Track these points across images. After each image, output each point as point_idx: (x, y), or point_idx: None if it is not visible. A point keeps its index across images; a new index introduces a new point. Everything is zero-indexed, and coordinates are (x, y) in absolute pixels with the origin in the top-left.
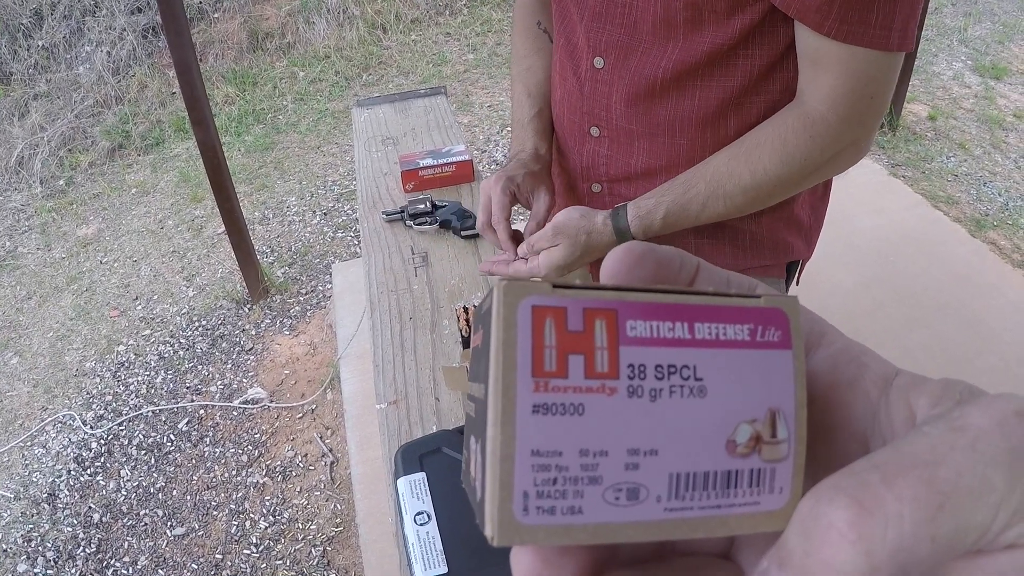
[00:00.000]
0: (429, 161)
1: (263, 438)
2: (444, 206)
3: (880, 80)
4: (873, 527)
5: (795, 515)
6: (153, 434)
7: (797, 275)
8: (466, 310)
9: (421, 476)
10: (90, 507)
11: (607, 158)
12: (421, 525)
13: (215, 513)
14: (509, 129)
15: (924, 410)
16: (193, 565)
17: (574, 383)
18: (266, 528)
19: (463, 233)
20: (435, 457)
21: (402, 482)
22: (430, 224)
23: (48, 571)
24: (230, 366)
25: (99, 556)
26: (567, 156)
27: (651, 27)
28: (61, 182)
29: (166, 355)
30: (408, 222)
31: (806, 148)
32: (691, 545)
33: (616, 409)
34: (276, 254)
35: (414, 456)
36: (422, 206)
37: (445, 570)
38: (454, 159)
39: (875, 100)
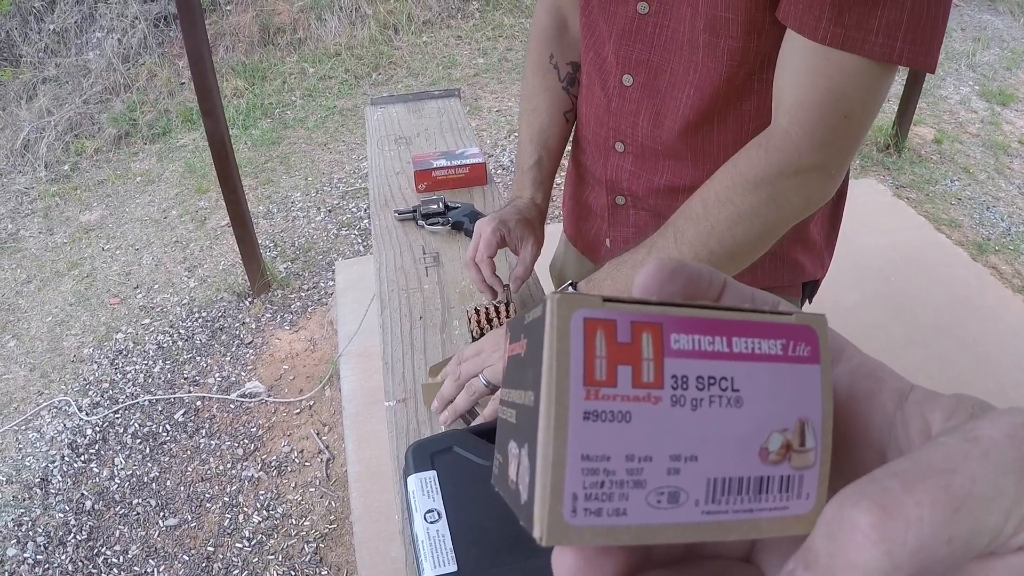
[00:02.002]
0: (443, 162)
1: (259, 432)
2: (457, 207)
3: (856, 97)
4: (895, 529)
5: (820, 519)
6: (149, 423)
7: (811, 295)
8: (477, 312)
9: (432, 474)
10: (83, 494)
11: (631, 173)
12: (431, 523)
13: (208, 505)
14: (517, 133)
15: (939, 423)
16: (184, 556)
17: (622, 392)
18: (259, 522)
19: None
20: (446, 456)
21: (412, 479)
22: (442, 224)
23: (38, 556)
24: (229, 359)
25: (90, 543)
26: (591, 167)
27: (678, 48)
28: (66, 167)
29: (165, 345)
30: (420, 222)
31: (759, 167)
32: (716, 548)
33: (660, 417)
34: (279, 249)
35: (425, 454)
36: (435, 206)
37: (455, 568)
38: (468, 161)
39: (848, 120)
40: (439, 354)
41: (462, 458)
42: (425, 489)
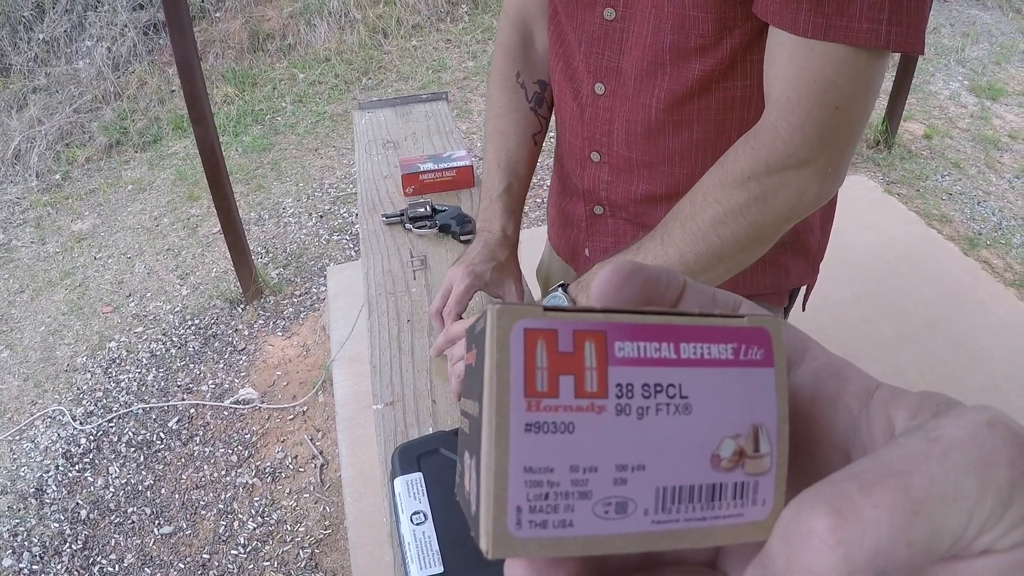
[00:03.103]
0: (430, 165)
1: (253, 439)
2: (444, 210)
3: (847, 87)
4: (851, 533)
5: (777, 524)
6: (143, 432)
7: (803, 300)
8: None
9: (418, 476)
10: (78, 503)
11: (608, 183)
12: (417, 525)
13: (203, 513)
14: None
15: (903, 422)
16: (180, 564)
17: (564, 402)
18: (254, 529)
19: (462, 238)
20: (432, 457)
21: (399, 481)
22: (429, 228)
23: (34, 566)
24: (222, 366)
25: (85, 553)
26: (570, 177)
27: (642, 53)
28: (57, 176)
29: (158, 353)
30: (408, 225)
31: (745, 162)
32: (679, 555)
33: (605, 427)
34: (271, 255)
35: (411, 456)
36: (422, 210)
37: (441, 570)
38: (455, 164)
39: (841, 112)
40: (427, 357)
41: (448, 460)
42: (411, 491)
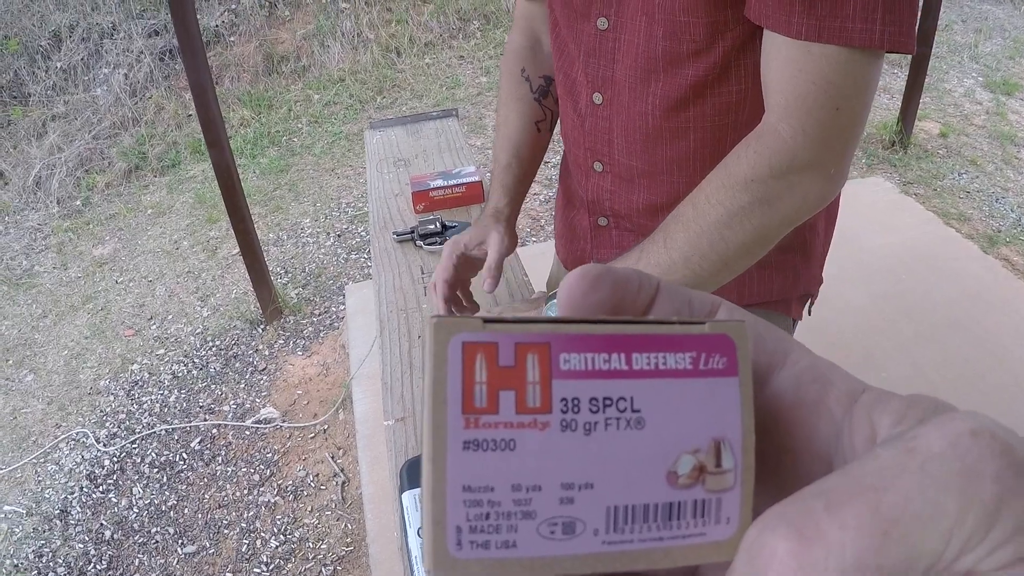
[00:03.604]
0: (440, 182)
1: (275, 457)
2: (454, 227)
3: (847, 88)
4: (814, 557)
5: (742, 544)
6: (166, 452)
7: (809, 306)
8: None
9: None
10: (102, 524)
11: (611, 193)
12: None
13: (226, 532)
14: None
15: (885, 429)
16: None
17: (505, 419)
18: (276, 547)
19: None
20: None
21: (407, 496)
22: (440, 244)
23: None
24: (243, 386)
25: (110, 573)
26: (575, 189)
27: (635, 60)
28: (78, 202)
29: (180, 374)
30: (418, 242)
31: (748, 165)
32: (654, 573)
33: (548, 444)
34: (290, 275)
35: (418, 471)
36: (432, 226)
37: None
38: (464, 180)
39: (841, 112)
40: None
41: None
42: (418, 505)
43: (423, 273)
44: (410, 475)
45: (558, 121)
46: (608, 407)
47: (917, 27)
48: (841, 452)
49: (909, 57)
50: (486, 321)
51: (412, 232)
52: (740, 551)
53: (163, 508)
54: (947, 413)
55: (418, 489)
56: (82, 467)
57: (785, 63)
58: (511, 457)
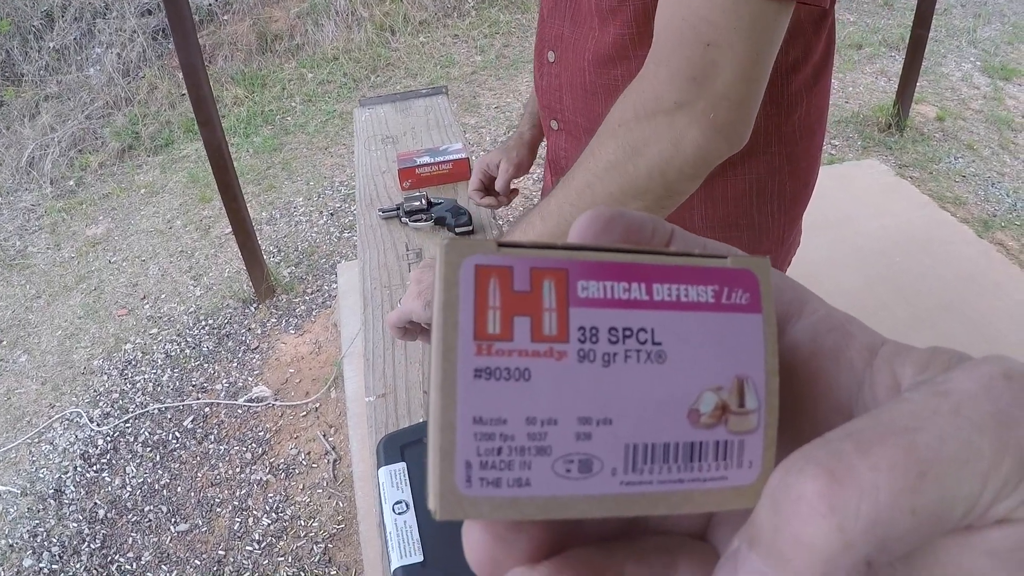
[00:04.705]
0: (426, 159)
1: (267, 436)
2: (439, 203)
3: (719, 23)
4: (846, 499)
5: (765, 488)
6: (159, 431)
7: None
8: None
9: (401, 466)
10: (95, 503)
11: (565, 151)
12: (399, 514)
13: (218, 510)
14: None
15: (909, 378)
16: (196, 561)
17: (519, 346)
18: (268, 525)
19: (457, 230)
20: (416, 448)
21: (383, 471)
22: (425, 221)
23: (53, 566)
24: (236, 365)
25: (103, 551)
26: (547, 151)
27: (574, 15)
28: (71, 182)
29: (173, 353)
30: (404, 219)
31: (619, 110)
32: (663, 523)
33: (565, 375)
34: (283, 254)
35: (395, 446)
36: (417, 203)
37: (421, 559)
38: (451, 157)
39: (714, 49)
40: (419, 350)
41: None
42: (394, 481)
43: (408, 250)
44: (386, 451)
45: None
46: (628, 338)
47: None
48: (863, 402)
49: (907, 40)
50: (500, 244)
51: (398, 209)
52: (763, 496)
53: (156, 487)
54: (975, 359)
55: (395, 465)
56: (76, 447)
57: (664, 2)
58: (525, 388)
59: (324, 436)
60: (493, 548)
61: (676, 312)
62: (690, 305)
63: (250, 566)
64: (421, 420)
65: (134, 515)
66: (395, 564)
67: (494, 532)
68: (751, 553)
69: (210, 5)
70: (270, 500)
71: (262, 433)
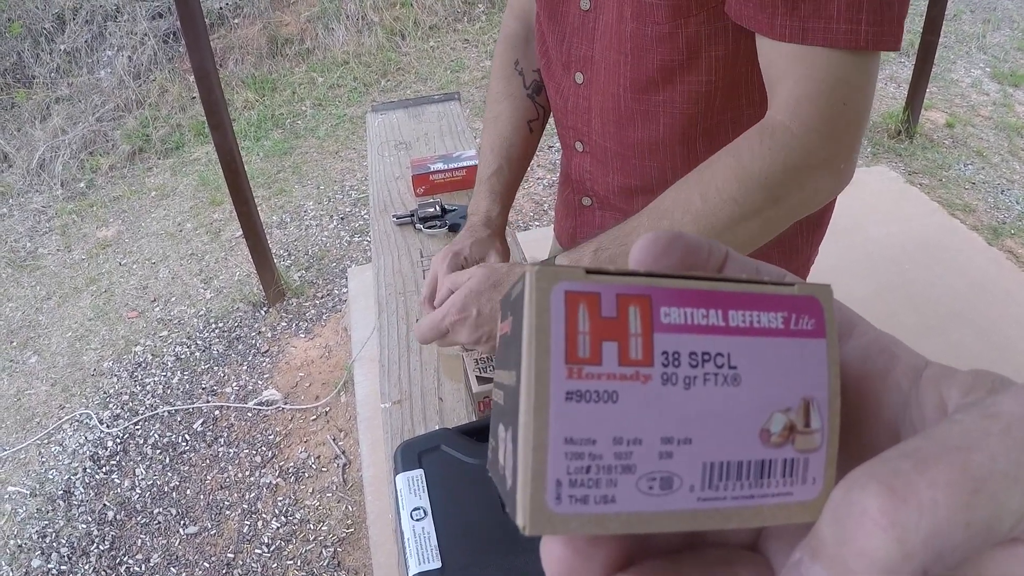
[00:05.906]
0: (440, 165)
1: (277, 439)
2: (454, 210)
3: (852, 83)
4: (906, 513)
5: (828, 504)
6: (168, 434)
7: None
8: None
9: (419, 473)
10: (105, 505)
11: (590, 173)
12: (417, 521)
13: (228, 513)
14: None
15: (956, 400)
16: (205, 564)
17: (608, 370)
18: (278, 528)
19: None
20: (434, 455)
21: (400, 478)
22: (439, 227)
23: (62, 567)
24: (245, 368)
25: (112, 553)
26: (565, 167)
27: (609, 41)
28: (82, 184)
29: (183, 356)
30: (418, 225)
31: (763, 162)
32: (720, 536)
33: (650, 397)
34: (293, 258)
35: (413, 453)
36: (432, 209)
37: (439, 565)
38: (465, 164)
39: (848, 107)
40: (434, 356)
41: (449, 456)
42: (412, 487)
43: (422, 256)
44: (404, 457)
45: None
46: (707, 362)
47: (905, 19)
48: (909, 422)
49: (916, 46)
50: (588, 271)
51: (412, 215)
52: (825, 511)
53: (165, 489)
54: (1019, 384)
55: (413, 471)
56: (85, 448)
57: (778, 62)
58: (613, 409)
59: (334, 440)
60: (573, 562)
61: (750, 337)
62: (762, 331)
63: (259, 569)
64: (437, 427)
65: (143, 517)
66: (413, 570)
67: (574, 547)
68: (814, 564)
69: (221, 9)
70: (279, 503)
71: (272, 436)
